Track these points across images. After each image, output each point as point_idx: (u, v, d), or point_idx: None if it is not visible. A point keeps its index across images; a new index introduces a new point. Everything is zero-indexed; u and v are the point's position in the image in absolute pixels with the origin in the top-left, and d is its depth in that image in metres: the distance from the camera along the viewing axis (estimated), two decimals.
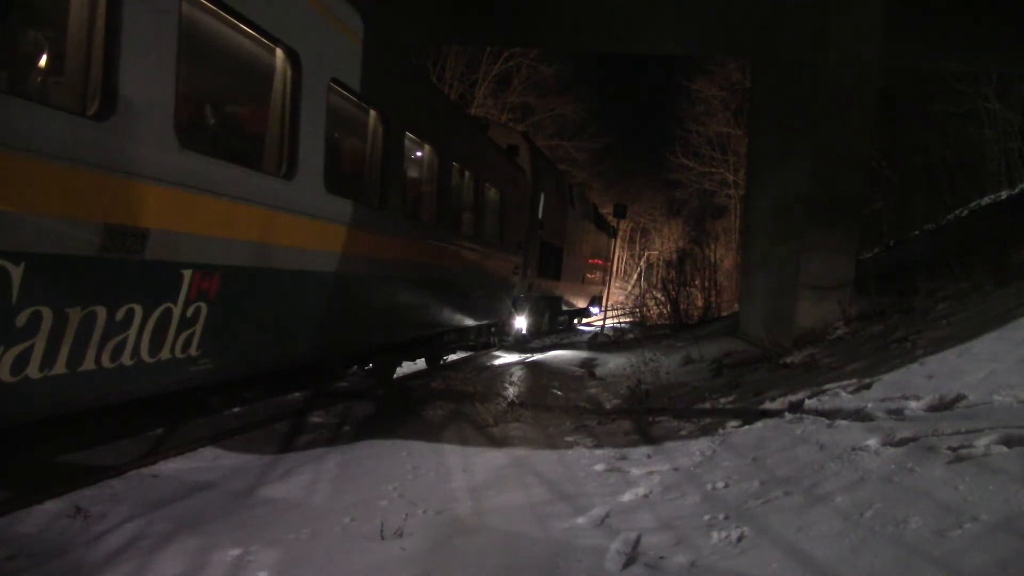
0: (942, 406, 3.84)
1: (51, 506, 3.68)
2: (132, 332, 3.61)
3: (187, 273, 3.90)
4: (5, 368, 2.96)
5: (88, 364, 3.38)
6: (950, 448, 3.05)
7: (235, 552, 3.11)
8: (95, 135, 3.22)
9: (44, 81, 3.39)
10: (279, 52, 4.76)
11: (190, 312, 4.00)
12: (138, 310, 3.61)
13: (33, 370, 3.09)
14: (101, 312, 3.37)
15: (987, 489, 2.61)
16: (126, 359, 3.62)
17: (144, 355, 3.74)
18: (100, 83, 3.27)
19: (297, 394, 7.22)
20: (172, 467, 4.58)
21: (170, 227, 3.73)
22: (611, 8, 11.62)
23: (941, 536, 2.40)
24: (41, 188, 2.98)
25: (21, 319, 2.97)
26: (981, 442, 3.02)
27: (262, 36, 4.53)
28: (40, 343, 3.09)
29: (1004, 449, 2.92)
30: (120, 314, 3.50)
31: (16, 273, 2.90)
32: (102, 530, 3.42)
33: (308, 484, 4.23)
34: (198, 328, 4.11)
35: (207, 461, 4.79)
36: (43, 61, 3.35)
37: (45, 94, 3.36)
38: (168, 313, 3.84)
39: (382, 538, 3.22)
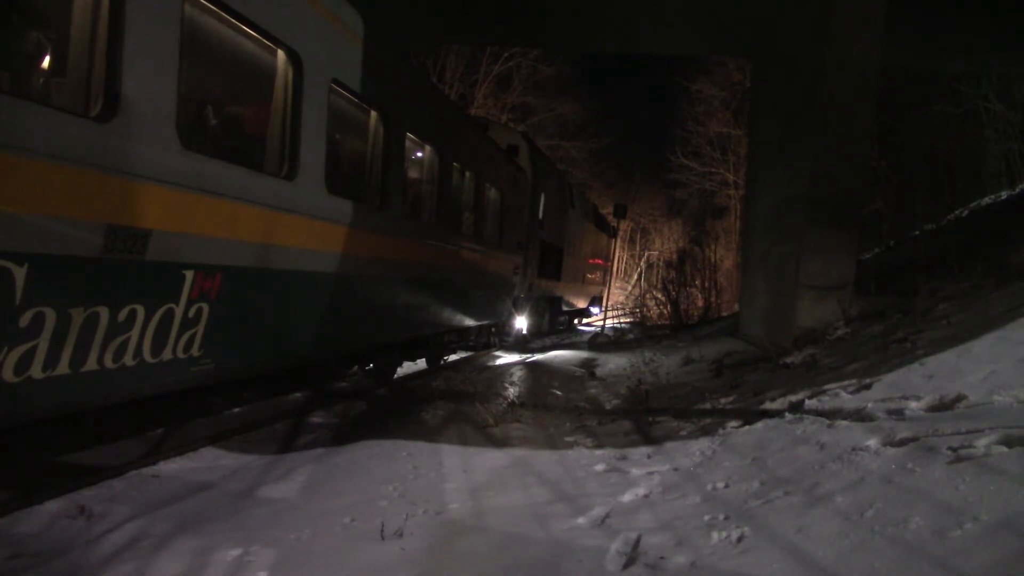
0: (942, 406, 3.84)
1: (52, 506, 3.68)
2: (134, 332, 3.62)
3: (189, 274, 3.90)
4: (9, 368, 2.97)
5: (91, 364, 3.39)
6: (950, 448, 3.05)
7: (235, 552, 3.12)
8: (98, 136, 3.22)
9: (47, 83, 3.40)
10: (280, 53, 4.77)
11: (192, 312, 4.01)
12: (140, 310, 3.61)
13: (36, 370, 3.10)
14: (104, 313, 3.38)
15: (987, 489, 2.61)
16: (128, 359, 3.62)
17: (146, 355, 3.75)
18: (103, 84, 3.28)
19: (297, 394, 7.23)
20: (172, 467, 4.59)
21: (172, 228, 3.73)
22: (612, 8, 11.62)
23: (941, 536, 2.40)
24: (44, 189, 2.99)
25: (24, 320, 2.98)
26: (981, 442, 3.03)
27: (263, 37, 4.54)
28: (43, 344, 3.10)
29: (1004, 449, 2.92)
30: (122, 314, 3.51)
31: (20, 274, 2.91)
32: (103, 530, 3.43)
33: (308, 484, 4.24)
34: (200, 328, 4.11)
35: (207, 461, 4.80)
36: (46, 63, 3.36)
37: (48, 96, 3.36)
38: (170, 313, 3.84)
39: (382, 538, 3.23)
